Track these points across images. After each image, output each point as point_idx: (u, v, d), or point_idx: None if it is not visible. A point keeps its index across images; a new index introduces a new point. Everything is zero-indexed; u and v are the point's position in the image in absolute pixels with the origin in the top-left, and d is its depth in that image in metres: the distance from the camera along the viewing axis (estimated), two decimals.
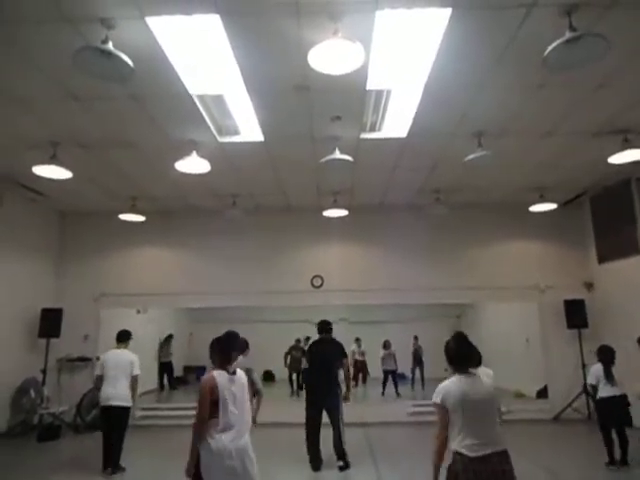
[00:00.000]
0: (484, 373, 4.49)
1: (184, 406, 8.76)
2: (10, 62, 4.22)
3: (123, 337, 5.85)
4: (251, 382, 4.08)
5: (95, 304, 8.79)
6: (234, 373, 3.32)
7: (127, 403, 5.51)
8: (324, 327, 6.13)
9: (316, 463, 5.58)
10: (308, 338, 11.77)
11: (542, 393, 9.03)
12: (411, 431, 7.46)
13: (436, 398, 2.75)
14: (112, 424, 5.44)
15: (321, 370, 5.79)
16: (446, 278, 8.87)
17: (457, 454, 2.67)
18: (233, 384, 3.25)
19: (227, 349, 3.38)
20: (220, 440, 3.06)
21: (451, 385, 2.75)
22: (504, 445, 2.71)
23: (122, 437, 5.52)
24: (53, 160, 5.87)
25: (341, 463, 5.57)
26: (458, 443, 2.67)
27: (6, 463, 6.10)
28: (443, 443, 2.73)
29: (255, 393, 4.59)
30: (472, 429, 2.66)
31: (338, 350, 5.94)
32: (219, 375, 3.21)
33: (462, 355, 2.84)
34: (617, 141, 5.82)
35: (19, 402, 7.72)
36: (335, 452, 5.63)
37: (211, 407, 3.11)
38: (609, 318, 8.20)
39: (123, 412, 5.48)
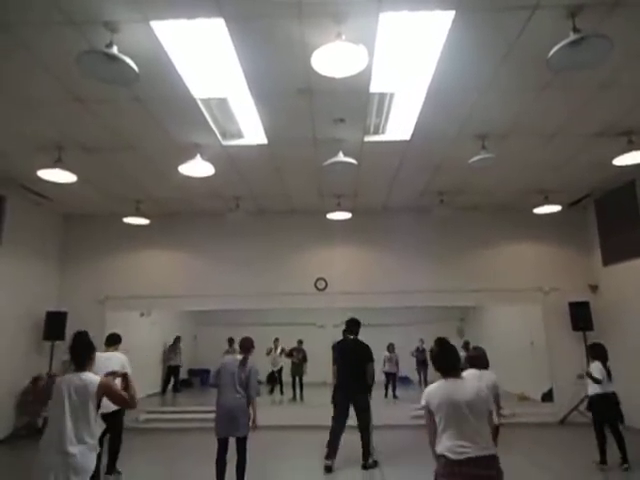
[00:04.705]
0: (488, 377, 4.49)
1: (189, 409, 8.80)
2: (15, 65, 4.26)
3: (112, 340, 5.57)
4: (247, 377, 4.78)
5: (100, 307, 8.81)
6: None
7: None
8: (348, 327, 6.20)
9: (330, 460, 5.59)
10: (300, 342, 11.76)
11: (547, 396, 8.96)
12: (414, 434, 7.39)
13: (422, 400, 2.85)
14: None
15: (348, 368, 5.84)
16: (450, 280, 8.85)
17: (441, 457, 2.68)
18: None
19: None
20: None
21: (435, 387, 2.83)
22: (492, 450, 2.65)
23: (118, 441, 5.38)
24: (58, 164, 5.90)
25: (362, 462, 5.67)
26: (441, 445, 2.70)
27: (11, 465, 6.11)
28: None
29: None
30: (455, 431, 2.66)
31: (365, 352, 5.95)
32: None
33: (444, 360, 2.90)
34: (621, 142, 5.80)
35: (24, 404, 7.74)
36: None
37: None
38: (614, 320, 8.15)
39: (115, 416, 5.16)
